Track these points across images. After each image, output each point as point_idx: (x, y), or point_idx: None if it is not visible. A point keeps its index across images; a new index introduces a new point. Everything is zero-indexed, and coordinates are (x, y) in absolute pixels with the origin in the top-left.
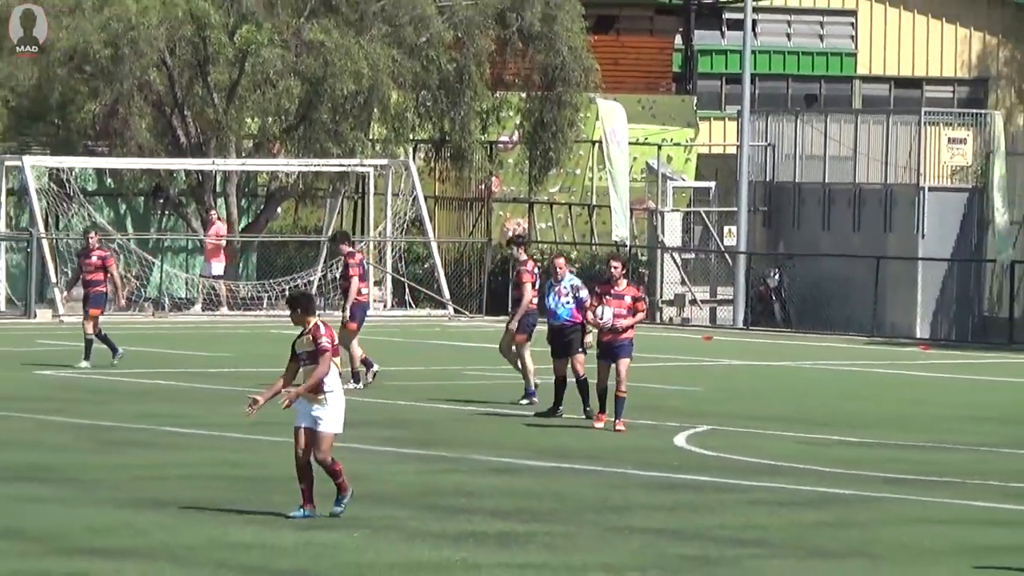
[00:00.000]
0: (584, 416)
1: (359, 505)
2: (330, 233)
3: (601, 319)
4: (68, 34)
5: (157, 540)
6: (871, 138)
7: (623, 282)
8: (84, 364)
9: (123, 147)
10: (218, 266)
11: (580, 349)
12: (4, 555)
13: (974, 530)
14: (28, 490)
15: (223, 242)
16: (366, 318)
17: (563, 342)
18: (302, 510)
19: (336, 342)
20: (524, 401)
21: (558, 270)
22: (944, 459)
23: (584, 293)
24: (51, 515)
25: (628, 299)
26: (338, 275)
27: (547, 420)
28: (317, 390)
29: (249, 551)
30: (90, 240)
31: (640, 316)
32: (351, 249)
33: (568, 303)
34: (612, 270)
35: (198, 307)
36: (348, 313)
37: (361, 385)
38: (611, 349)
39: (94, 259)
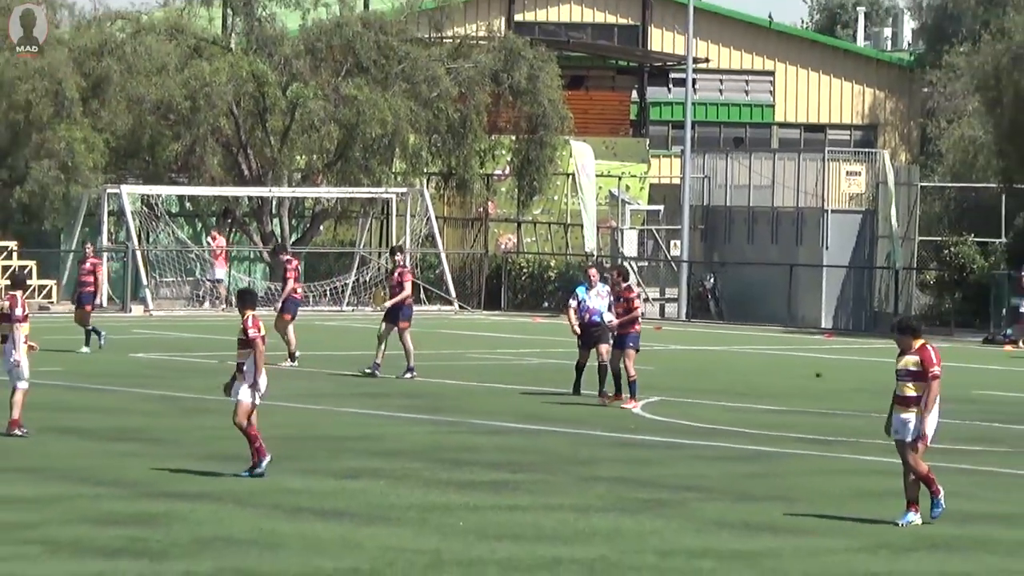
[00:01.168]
0: (599, 395)
1: (383, 458)
2: (271, 246)
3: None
4: (156, 89)
5: (225, 487)
6: (786, 171)
7: (622, 285)
8: (84, 350)
9: (199, 178)
10: (220, 271)
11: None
12: (105, 498)
13: (867, 478)
14: (124, 447)
15: (222, 252)
16: (298, 311)
17: (595, 336)
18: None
19: (262, 333)
20: (407, 376)
21: (592, 277)
22: (843, 423)
23: (610, 297)
24: (141, 466)
25: (621, 299)
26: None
27: (536, 393)
28: (240, 369)
29: (298, 495)
30: (86, 250)
31: (635, 313)
32: (289, 257)
33: (604, 305)
34: (616, 277)
35: (207, 304)
36: (280, 305)
37: (296, 364)
38: (620, 339)
39: (88, 266)
